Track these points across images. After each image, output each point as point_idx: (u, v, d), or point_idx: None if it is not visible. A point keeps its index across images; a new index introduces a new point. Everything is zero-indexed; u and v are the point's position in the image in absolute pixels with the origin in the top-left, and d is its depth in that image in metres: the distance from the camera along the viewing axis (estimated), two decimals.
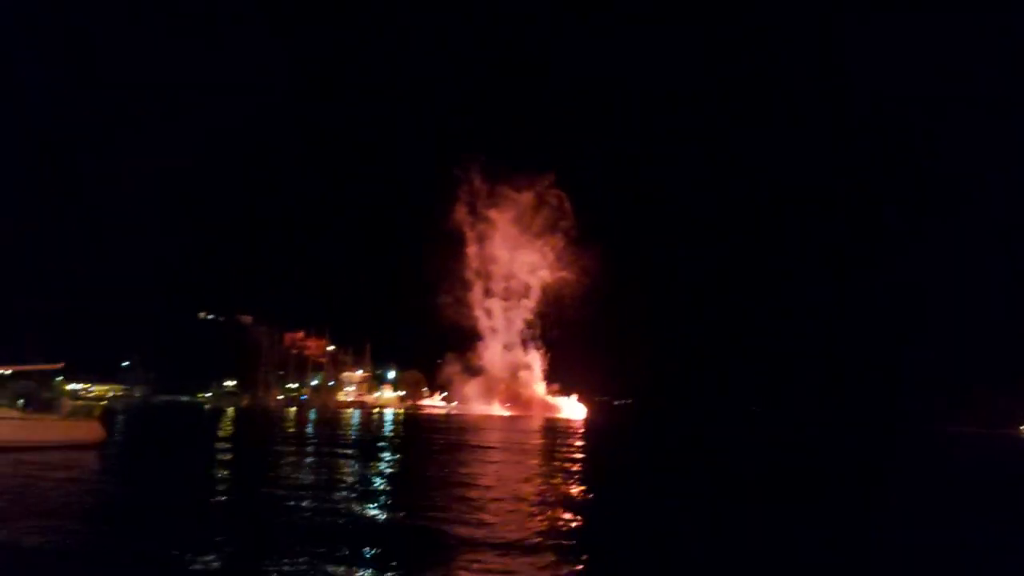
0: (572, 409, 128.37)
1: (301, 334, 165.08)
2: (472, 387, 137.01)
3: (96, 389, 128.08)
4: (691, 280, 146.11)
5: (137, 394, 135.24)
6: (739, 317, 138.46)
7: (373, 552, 13.09)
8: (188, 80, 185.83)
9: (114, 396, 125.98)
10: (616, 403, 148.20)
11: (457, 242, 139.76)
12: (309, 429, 58.61)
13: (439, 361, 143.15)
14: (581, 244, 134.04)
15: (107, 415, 38.45)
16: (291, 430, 56.95)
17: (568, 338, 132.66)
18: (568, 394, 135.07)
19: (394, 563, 12.39)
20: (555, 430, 69.42)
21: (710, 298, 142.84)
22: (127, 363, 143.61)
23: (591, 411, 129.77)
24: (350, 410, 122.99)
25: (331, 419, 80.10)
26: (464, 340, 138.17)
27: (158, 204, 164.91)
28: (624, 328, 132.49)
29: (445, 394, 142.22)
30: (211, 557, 12.20)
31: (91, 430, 32.62)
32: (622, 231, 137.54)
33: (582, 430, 71.69)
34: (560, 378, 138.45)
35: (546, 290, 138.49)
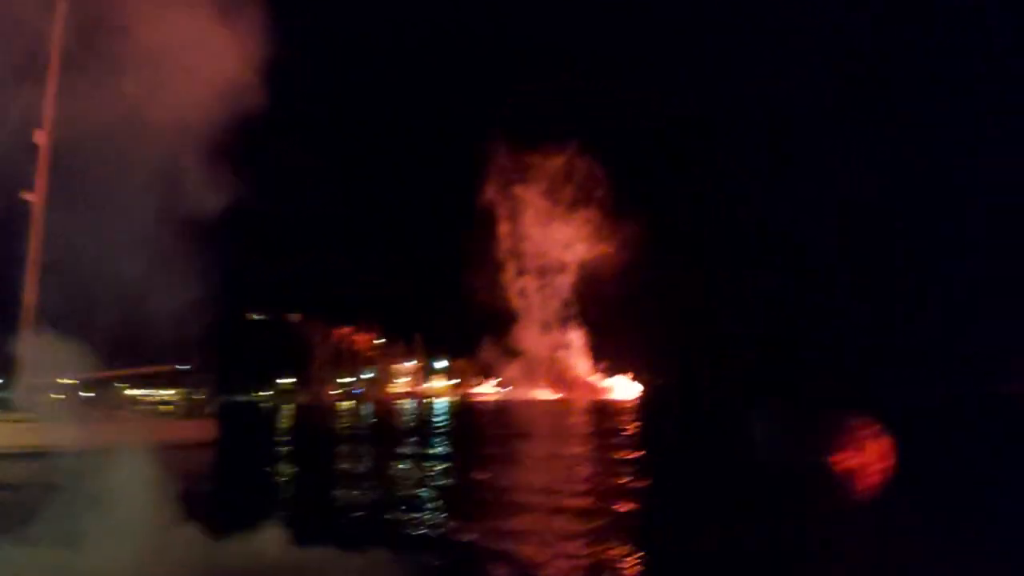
0: (624, 389, 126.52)
1: (349, 329, 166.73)
2: (514, 370, 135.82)
3: (159, 394, 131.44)
4: (744, 245, 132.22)
5: (197, 397, 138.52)
6: (807, 286, 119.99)
7: None
8: None
9: (179, 400, 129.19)
10: (658, 383, 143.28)
11: (489, 222, 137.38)
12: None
13: (478, 347, 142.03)
14: (619, 215, 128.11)
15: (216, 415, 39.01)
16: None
17: (611, 316, 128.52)
18: (618, 373, 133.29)
19: None
20: (605, 413, 68.48)
21: (769, 264, 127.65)
22: (187, 367, 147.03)
23: (644, 391, 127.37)
24: (404, 401, 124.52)
25: (388, 412, 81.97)
26: (502, 323, 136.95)
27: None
28: (670, 302, 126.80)
29: (499, 380, 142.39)
30: None
31: (206, 429, 34.10)
32: (664, 198, 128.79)
33: (635, 411, 71.20)
34: (607, 357, 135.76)
35: (583, 266, 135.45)
